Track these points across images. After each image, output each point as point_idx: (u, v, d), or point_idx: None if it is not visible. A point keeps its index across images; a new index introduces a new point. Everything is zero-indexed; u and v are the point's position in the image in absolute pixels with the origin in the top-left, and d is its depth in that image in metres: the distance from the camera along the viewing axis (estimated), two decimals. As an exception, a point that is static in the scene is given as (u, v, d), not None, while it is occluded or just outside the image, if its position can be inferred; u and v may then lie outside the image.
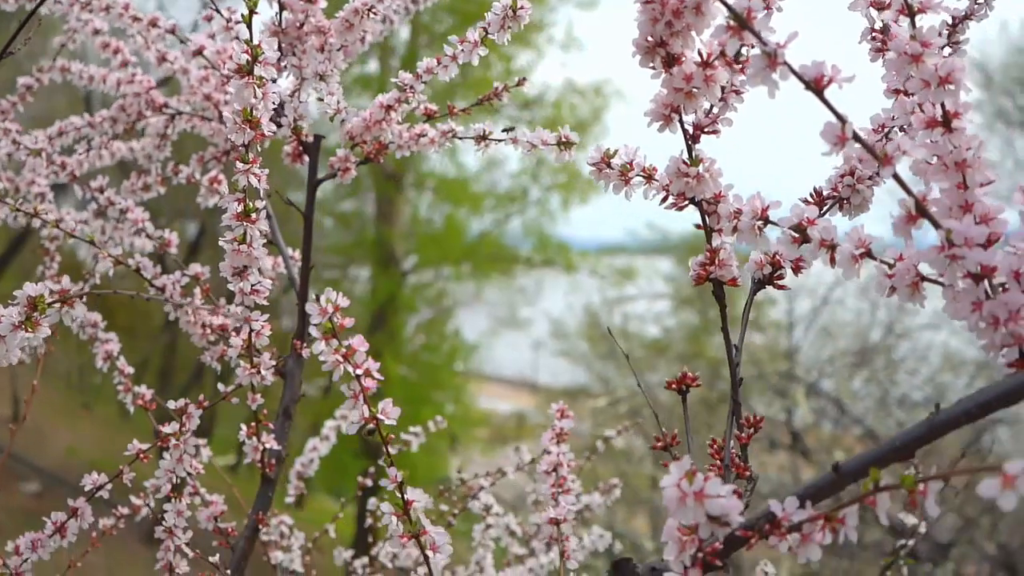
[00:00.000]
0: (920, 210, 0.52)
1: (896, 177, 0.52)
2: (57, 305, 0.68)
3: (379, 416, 0.64)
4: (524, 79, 1.02)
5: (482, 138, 0.97)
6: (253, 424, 0.97)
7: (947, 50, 0.72)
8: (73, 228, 1.01)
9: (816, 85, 0.52)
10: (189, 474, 0.99)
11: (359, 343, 0.63)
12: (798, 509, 0.52)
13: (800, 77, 0.51)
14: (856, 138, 0.51)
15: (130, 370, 1.12)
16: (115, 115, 1.20)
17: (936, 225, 0.52)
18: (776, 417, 6.52)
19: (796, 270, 0.69)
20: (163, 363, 10.33)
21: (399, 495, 0.66)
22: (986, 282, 0.54)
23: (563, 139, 0.86)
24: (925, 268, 0.56)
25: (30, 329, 0.68)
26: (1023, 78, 9.19)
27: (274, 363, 0.92)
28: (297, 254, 1.16)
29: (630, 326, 10.74)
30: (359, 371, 0.63)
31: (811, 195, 0.70)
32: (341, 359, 0.63)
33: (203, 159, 1.20)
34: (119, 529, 1.16)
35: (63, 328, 1.24)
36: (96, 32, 1.20)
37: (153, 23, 1.11)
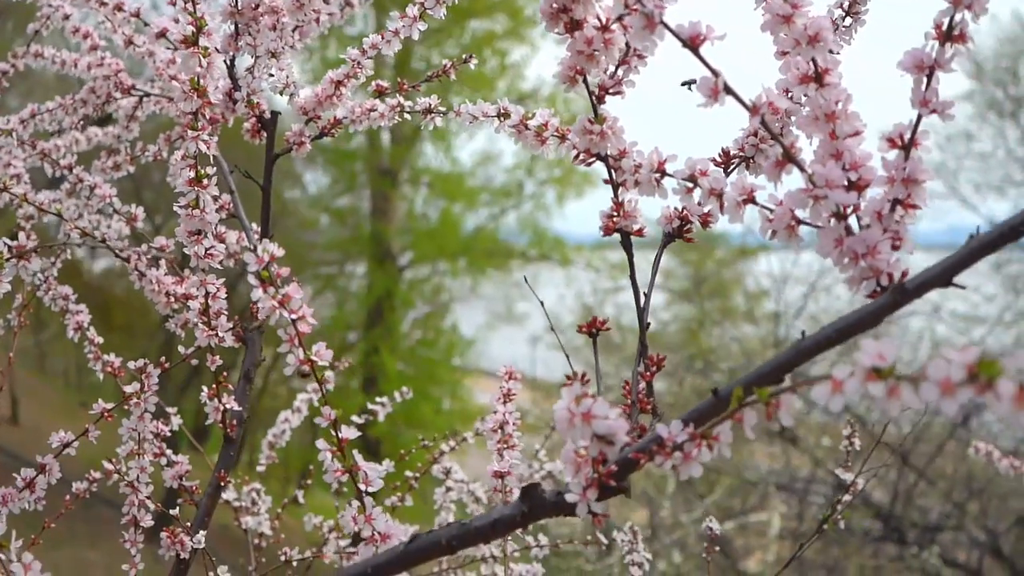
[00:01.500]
0: (788, 156, 0.57)
1: (764, 125, 0.57)
2: (14, 260, 0.73)
3: (313, 358, 0.69)
4: (472, 56, 1.08)
5: (428, 111, 1.02)
6: (214, 386, 1.02)
7: (848, 20, 0.77)
8: (42, 203, 1.06)
9: (692, 43, 0.57)
10: (155, 435, 1.04)
11: (294, 291, 0.68)
12: (681, 431, 0.57)
13: (677, 36, 0.56)
14: (728, 90, 0.56)
15: (99, 340, 1.17)
16: (85, 97, 1.25)
17: (802, 169, 0.57)
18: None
19: (704, 224, 0.74)
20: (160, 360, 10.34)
21: (334, 433, 0.71)
22: (854, 221, 0.59)
23: (502, 111, 0.91)
24: (801, 213, 0.61)
25: (-10, 284, 0.73)
26: (1014, 68, 9.24)
27: (231, 326, 0.97)
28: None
29: (624, 318, 10.79)
30: (295, 316, 0.68)
31: (719, 154, 0.75)
32: (277, 305, 0.68)
33: (170, 138, 1.25)
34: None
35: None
36: (66, 17, 1.25)
37: (119, 7, 1.16)
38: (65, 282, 1.25)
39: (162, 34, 1.10)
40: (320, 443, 0.71)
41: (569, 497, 0.61)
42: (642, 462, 0.60)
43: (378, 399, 1.46)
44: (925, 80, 0.58)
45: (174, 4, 1.14)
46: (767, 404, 0.52)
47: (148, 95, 1.26)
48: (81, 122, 1.28)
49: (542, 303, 0.94)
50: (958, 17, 0.58)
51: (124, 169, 1.28)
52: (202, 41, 0.78)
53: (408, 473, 1.39)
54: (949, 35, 0.58)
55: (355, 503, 0.71)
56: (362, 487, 0.71)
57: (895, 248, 0.58)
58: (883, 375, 0.43)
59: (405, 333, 11.66)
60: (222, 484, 1.05)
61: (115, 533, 1.23)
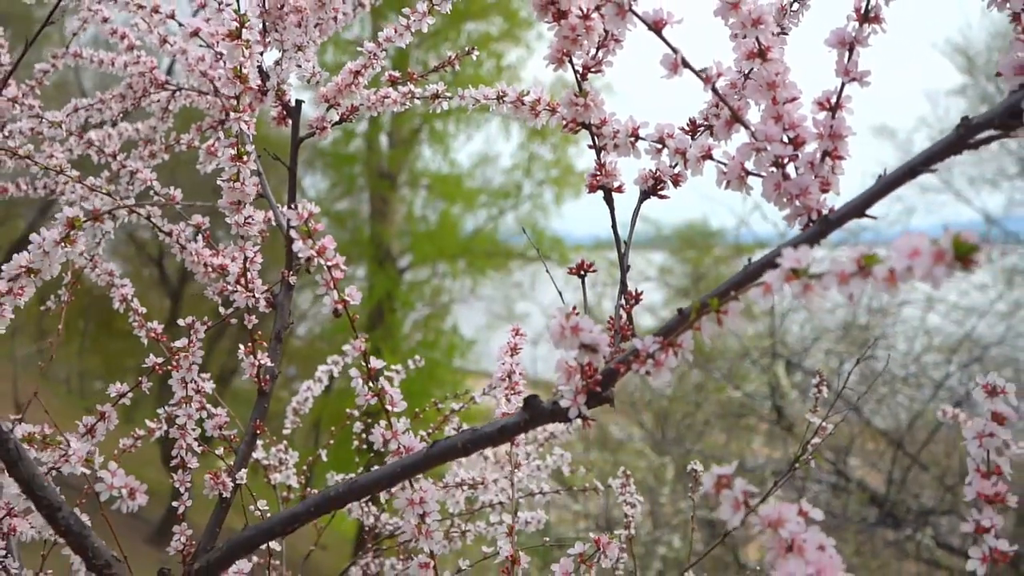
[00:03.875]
0: (735, 117, 0.70)
1: (715, 91, 0.70)
2: (90, 222, 0.86)
3: (346, 298, 0.83)
4: (474, 48, 1.21)
5: (435, 96, 1.15)
6: (250, 344, 1.15)
7: (795, 5, 0.90)
8: (93, 184, 1.19)
9: (656, 27, 0.70)
10: (196, 390, 1.17)
11: (329, 242, 0.81)
12: (653, 342, 0.70)
13: (644, 21, 0.69)
14: (685, 64, 0.69)
15: (143, 310, 1.30)
16: (123, 92, 1.38)
17: (747, 127, 0.70)
18: (761, 393, 6.73)
19: (675, 183, 0.87)
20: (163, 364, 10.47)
21: (364, 363, 0.84)
22: (792, 169, 0.72)
23: (500, 94, 1.04)
24: (749, 165, 0.74)
25: (68, 244, 0.86)
26: (1005, 62, 9.34)
27: (266, 288, 1.10)
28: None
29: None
30: (330, 263, 0.81)
31: (687, 124, 0.88)
32: (316, 254, 0.81)
33: (201, 128, 1.38)
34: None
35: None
36: (105, 20, 1.38)
37: (155, 10, 1.29)
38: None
39: (195, 33, 1.23)
40: (353, 371, 0.84)
41: (563, 403, 0.74)
42: (622, 371, 0.73)
43: (393, 367, 1.59)
44: (847, 53, 0.71)
45: (204, 6, 1.27)
46: (718, 311, 0.65)
47: (180, 89, 1.39)
48: (120, 115, 1.41)
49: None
50: (873, 2, 0.71)
51: (159, 157, 1.41)
52: (244, 35, 0.91)
53: (421, 432, 1.51)
54: (866, 17, 0.71)
55: (383, 422, 0.85)
56: (389, 408, 0.84)
57: (824, 191, 0.71)
58: (799, 274, 0.56)
59: (406, 335, 11.76)
60: (257, 432, 1.18)
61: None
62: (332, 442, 1.64)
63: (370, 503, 1.57)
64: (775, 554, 0.59)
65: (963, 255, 0.46)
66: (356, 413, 1.64)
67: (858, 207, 0.66)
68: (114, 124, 1.55)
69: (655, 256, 11.41)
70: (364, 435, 1.68)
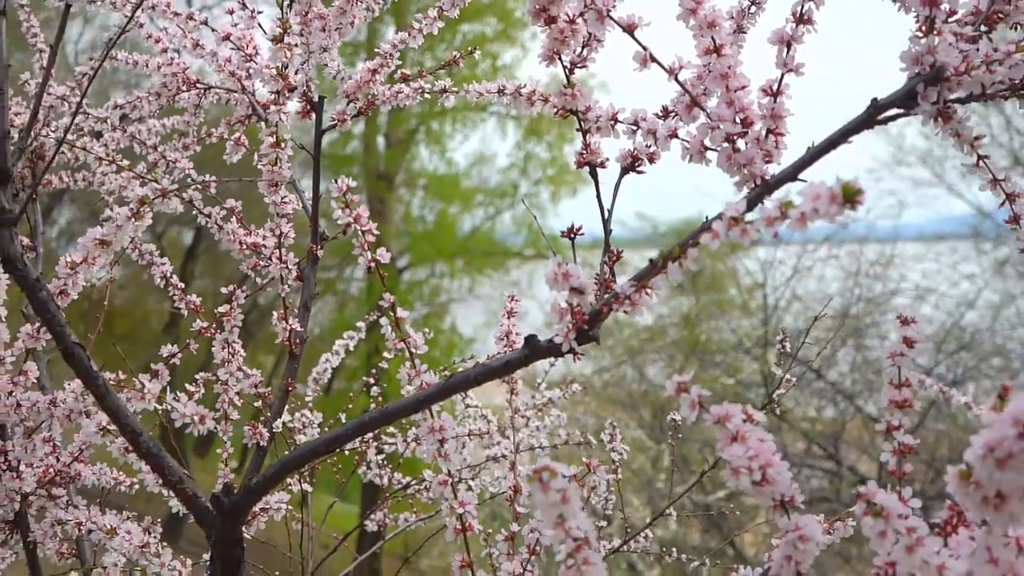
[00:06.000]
0: (693, 102, 0.86)
1: (678, 81, 0.86)
2: (159, 199, 1.01)
3: (378, 258, 0.98)
4: (475, 48, 1.37)
5: (443, 91, 1.31)
6: (282, 311, 1.31)
7: (752, 8, 1.06)
8: (140, 172, 1.35)
9: (629, 29, 0.86)
10: (233, 353, 1.33)
11: (363, 211, 0.97)
12: (630, 286, 0.86)
13: (619, 24, 0.85)
14: (652, 59, 0.85)
15: (181, 285, 1.46)
16: (159, 90, 1.54)
17: (703, 110, 0.86)
18: (755, 382, 6.91)
19: (651, 160, 1.03)
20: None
21: (392, 313, 1.00)
22: (742, 144, 0.88)
23: (501, 88, 1.20)
24: (707, 142, 0.90)
25: (138, 219, 1.01)
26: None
27: (298, 260, 1.26)
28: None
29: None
30: (364, 229, 0.97)
31: (661, 110, 1.03)
32: (352, 220, 0.97)
33: (230, 122, 1.53)
34: None
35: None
36: (141, 25, 1.54)
37: (190, 17, 1.45)
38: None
39: (227, 37, 1.39)
40: (383, 320, 1.00)
41: (555, 339, 0.89)
42: (605, 311, 0.88)
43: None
44: (785, 49, 0.87)
45: (231, 13, 1.43)
46: (679, 256, 0.80)
47: (210, 87, 1.54)
48: (155, 111, 1.57)
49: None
50: (807, 7, 0.87)
51: (192, 149, 1.57)
52: (287, 39, 1.07)
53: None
54: (801, 19, 0.87)
55: (407, 364, 1.00)
56: (413, 351, 1.00)
57: (768, 162, 0.86)
58: (737, 221, 0.72)
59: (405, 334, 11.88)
60: (289, 389, 1.34)
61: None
62: (351, 406, 1.80)
63: (387, 462, 1.73)
64: (722, 444, 0.75)
65: (850, 197, 0.62)
66: (372, 381, 1.80)
67: (790, 174, 0.82)
68: (144, 121, 1.71)
69: (652, 254, 11.53)
70: (380, 399, 1.84)
